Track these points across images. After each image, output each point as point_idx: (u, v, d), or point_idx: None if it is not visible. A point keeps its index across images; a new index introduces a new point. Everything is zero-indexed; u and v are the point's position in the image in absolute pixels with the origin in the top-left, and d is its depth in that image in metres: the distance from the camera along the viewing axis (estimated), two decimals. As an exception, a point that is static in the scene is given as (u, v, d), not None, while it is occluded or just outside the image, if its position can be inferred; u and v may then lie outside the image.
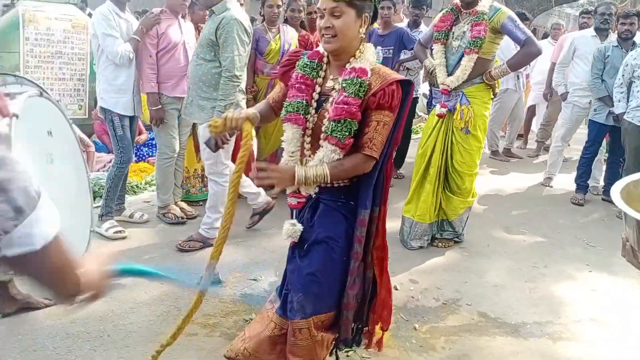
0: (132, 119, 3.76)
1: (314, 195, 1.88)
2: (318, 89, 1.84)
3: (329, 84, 1.83)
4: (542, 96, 6.46)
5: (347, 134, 1.73)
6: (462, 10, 3.44)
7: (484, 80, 3.42)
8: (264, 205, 3.86)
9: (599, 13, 5.24)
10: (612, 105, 4.57)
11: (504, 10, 3.33)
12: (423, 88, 6.60)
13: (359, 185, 1.87)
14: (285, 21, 4.58)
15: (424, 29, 5.15)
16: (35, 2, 5.00)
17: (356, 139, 1.77)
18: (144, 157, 5.15)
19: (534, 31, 7.20)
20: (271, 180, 1.71)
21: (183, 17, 3.91)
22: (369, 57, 1.79)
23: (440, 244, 3.75)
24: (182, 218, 4.00)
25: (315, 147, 1.83)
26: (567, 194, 5.21)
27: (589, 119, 4.94)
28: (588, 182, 5.07)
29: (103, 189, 3.91)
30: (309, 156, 1.84)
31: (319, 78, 1.84)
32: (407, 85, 1.80)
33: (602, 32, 5.10)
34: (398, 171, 5.53)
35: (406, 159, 5.59)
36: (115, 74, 3.61)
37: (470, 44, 3.30)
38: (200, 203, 4.31)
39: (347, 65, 1.79)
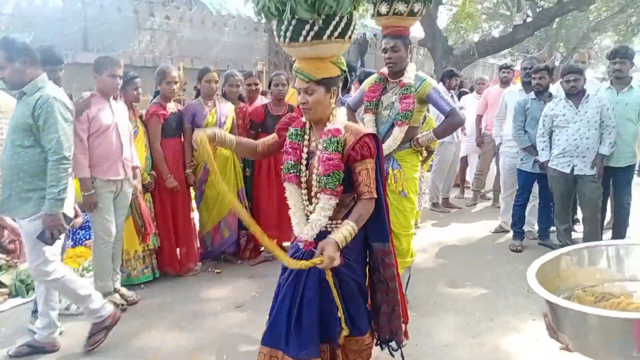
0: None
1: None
2: (305, 149, 2.28)
3: (314, 144, 2.28)
4: (476, 144, 6.82)
5: (337, 182, 2.15)
6: (389, 79, 3.60)
7: (412, 146, 3.56)
8: (111, 318, 3.23)
9: (522, 68, 5.67)
10: (537, 154, 4.84)
11: (429, 81, 3.52)
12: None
13: (371, 225, 2.27)
14: (223, 95, 4.67)
15: (353, 93, 5.37)
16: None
17: (349, 186, 2.20)
18: (81, 241, 4.95)
19: (461, 84, 7.59)
20: (332, 259, 2.00)
21: (114, 98, 3.89)
22: (341, 118, 2.24)
23: None
24: (122, 305, 3.83)
25: (310, 196, 2.26)
26: (506, 241, 5.40)
27: (517, 168, 5.20)
28: (523, 228, 5.27)
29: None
30: (307, 205, 2.26)
31: (305, 141, 2.29)
32: (376, 138, 2.26)
33: (527, 86, 5.45)
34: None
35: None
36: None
37: (401, 116, 3.44)
38: (142, 286, 4.17)
39: (325, 129, 2.22)
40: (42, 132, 2.91)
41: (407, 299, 3.77)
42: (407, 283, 3.79)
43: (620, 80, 4.68)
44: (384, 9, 3.43)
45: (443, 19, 21.55)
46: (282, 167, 2.32)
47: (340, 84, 2.27)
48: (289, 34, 2.09)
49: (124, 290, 3.97)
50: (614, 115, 4.53)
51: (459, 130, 6.61)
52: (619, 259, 1.59)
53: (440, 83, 6.78)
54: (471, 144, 7.07)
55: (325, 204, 2.18)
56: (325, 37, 2.07)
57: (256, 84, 5.10)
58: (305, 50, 2.12)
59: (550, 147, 4.73)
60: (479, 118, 6.81)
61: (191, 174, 4.47)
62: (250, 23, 13.00)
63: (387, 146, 3.51)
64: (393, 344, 2.48)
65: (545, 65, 5.10)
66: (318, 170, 2.19)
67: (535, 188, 5.21)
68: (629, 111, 4.62)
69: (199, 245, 4.70)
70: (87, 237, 4.95)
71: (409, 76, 3.50)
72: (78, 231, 5.03)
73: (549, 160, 4.71)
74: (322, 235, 2.18)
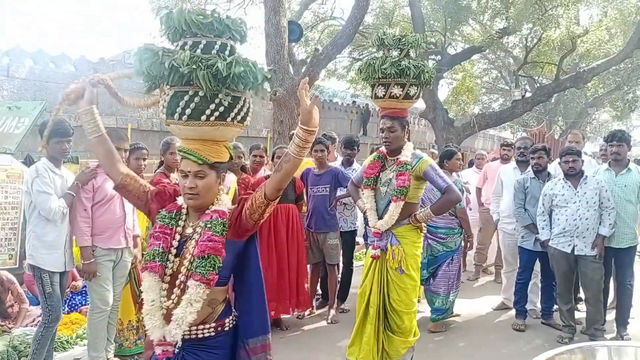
0: (62, 274, 3.64)
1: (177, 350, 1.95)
2: (178, 236, 1.99)
3: (190, 230, 2.00)
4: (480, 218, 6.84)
5: (211, 269, 1.86)
6: (387, 157, 3.69)
7: (410, 222, 3.57)
8: None
9: (516, 147, 5.80)
10: (537, 233, 4.85)
11: (425, 159, 3.58)
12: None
13: (248, 315, 2.03)
14: None
15: (357, 167, 5.46)
16: (-32, 153, 4.96)
17: (225, 279, 1.97)
18: (76, 307, 4.89)
19: (463, 156, 7.72)
20: None
21: None
22: (227, 202, 2.05)
23: None
24: (116, 376, 3.74)
25: (171, 290, 1.93)
26: (509, 319, 5.30)
27: (519, 246, 5.19)
28: (526, 306, 5.19)
29: (30, 347, 3.65)
30: (165, 301, 1.92)
31: (178, 227, 2.00)
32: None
33: (521, 164, 5.56)
34: (342, 305, 5.50)
35: (350, 290, 5.59)
36: (46, 230, 3.55)
37: (396, 192, 3.48)
38: (135, 357, 4.07)
39: (208, 210, 1.99)
40: None
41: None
42: (408, 364, 3.69)
43: (618, 162, 4.76)
44: (380, 92, 3.57)
45: (444, 91, 22.19)
46: (145, 253, 2.00)
47: (226, 171, 2.07)
48: (188, 111, 1.87)
49: (116, 360, 3.89)
50: (613, 197, 4.58)
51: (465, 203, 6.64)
52: (610, 360, 1.58)
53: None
54: (473, 218, 7.09)
55: (193, 294, 1.85)
56: (229, 119, 1.92)
57: (262, 157, 5.20)
58: (204, 130, 1.91)
59: (551, 226, 4.75)
60: (479, 191, 6.89)
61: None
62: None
63: (385, 222, 3.53)
64: None
65: (542, 145, 5.20)
66: (192, 254, 1.92)
67: (537, 266, 5.18)
68: (628, 193, 4.67)
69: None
70: (83, 302, 4.90)
71: (406, 154, 3.58)
72: (74, 297, 4.98)
73: (549, 239, 4.72)
74: (190, 344, 1.93)
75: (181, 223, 2.01)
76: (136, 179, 2.12)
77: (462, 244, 5.24)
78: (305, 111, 1.91)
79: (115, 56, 13.18)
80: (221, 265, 1.89)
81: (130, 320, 4.13)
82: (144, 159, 4.20)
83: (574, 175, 4.60)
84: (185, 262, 1.92)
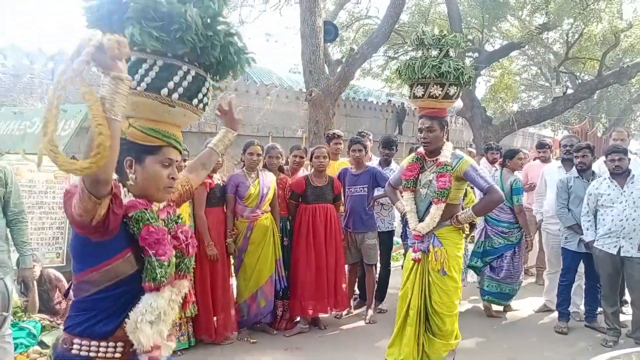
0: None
1: None
2: None
3: None
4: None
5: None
6: (426, 158, 3.64)
7: (452, 223, 3.53)
8: None
9: (562, 145, 5.65)
10: (582, 233, 4.72)
11: (466, 159, 3.52)
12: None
13: None
14: (264, 167, 4.81)
15: (395, 167, 5.44)
16: (19, 155, 5.17)
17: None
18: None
19: (500, 155, 7.59)
20: None
21: None
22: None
23: None
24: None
25: None
26: (551, 322, 5.18)
27: (562, 247, 5.07)
28: (569, 309, 5.07)
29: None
30: None
31: None
32: None
33: (566, 163, 5.41)
34: (380, 305, 5.48)
35: (388, 290, 5.57)
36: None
37: (437, 194, 3.45)
38: (179, 353, 4.17)
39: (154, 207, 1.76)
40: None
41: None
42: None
43: (667, 160, 4.59)
44: (419, 92, 3.52)
45: (481, 89, 21.83)
46: (162, 265, 1.66)
47: None
48: (181, 90, 1.69)
49: (160, 358, 3.98)
50: (662, 197, 4.42)
51: (502, 204, 6.52)
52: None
53: (484, 158, 6.81)
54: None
55: (178, 294, 1.78)
56: (200, 104, 1.78)
57: (302, 157, 5.24)
58: (189, 115, 1.77)
59: (596, 226, 4.62)
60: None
61: (232, 242, 4.55)
62: (292, 92, 13.45)
63: (426, 224, 3.50)
64: None
65: (587, 143, 5.06)
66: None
67: (581, 267, 5.04)
68: (678, 192, 4.49)
69: (234, 313, 4.70)
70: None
71: (446, 155, 3.53)
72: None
73: (594, 240, 4.59)
74: None
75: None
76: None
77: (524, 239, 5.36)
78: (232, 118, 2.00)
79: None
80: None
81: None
82: (185, 160, 4.29)
83: (620, 174, 4.46)
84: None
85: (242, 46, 1.80)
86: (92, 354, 1.63)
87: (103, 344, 1.64)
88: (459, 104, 14.13)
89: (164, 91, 1.67)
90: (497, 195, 3.47)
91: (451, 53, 3.60)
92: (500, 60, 16.46)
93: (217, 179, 4.56)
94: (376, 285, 5.38)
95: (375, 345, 4.49)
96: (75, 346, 1.63)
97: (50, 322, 4.40)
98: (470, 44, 14.55)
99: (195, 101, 1.74)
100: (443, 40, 3.53)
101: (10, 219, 3.42)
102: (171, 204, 1.85)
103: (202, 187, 4.38)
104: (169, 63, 1.68)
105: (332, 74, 10.29)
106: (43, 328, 4.31)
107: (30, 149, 5.52)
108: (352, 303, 5.52)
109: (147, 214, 1.67)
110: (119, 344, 1.65)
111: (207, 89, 1.80)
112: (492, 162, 6.63)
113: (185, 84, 1.70)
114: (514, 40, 14.85)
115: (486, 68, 16.15)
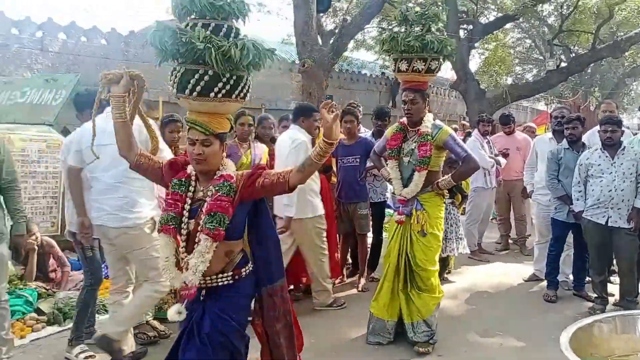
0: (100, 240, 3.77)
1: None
2: (189, 200, 2.27)
3: (201, 194, 2.28)
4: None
5: (217, 225, 2.15)
6: (409, 128, 3.89)
7: (432, 189, 3.80)
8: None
9: (553, 117, 5.69)
10: (571, 204, 4.79)
11: (445, 129, 3.81)
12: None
13: (270, 264, 2.40)
14: (256, 137, 4.81)
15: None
16: (10, 124, 5.15)
17: (237, 233, 2.28)
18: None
19: (494, 129, 7.62)
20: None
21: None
22: (231, 167, 2.34)
23: (420, 349, 3.79)
24: (155, 337, 3.91)
25: (192, 247, 2.21)
26: (540, 290, 5.29)
27: (551, 217, 5.14)
28: (558, 277, 5.17)
29: (74, 309, 3.84)
30: (187, 256, 2.22)
31: (189, 192, 2.28)
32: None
33: (557, 134, 5.44)
34: (372, 273, 5.56)
35: (381, 259, 5.65)
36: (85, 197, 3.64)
37: (419, 162, 3.73)
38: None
39: (216, 175, 2.26)
40: None
41: (435, 338, 3.81)
42: (436, 326, 3.83)
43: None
44: (403, 66, 3.81)
45: (475, 62, 21.71)
46: (160, 217, 2.32)
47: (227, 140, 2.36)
48: (198, 88, 2.14)
49: (155, 322, 4.05)
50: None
51: (493, 176, 6.60)
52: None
53: (475, 130, 6.84)
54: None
55: (203, 246, 2.16)
56: (234, 96, 2.20)
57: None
58: (211, 105, 2.20)
59: (585, 197, 4.68)
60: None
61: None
62: (285, 64, 13.31)
63: (410, 190, 3.79)
64: None
65: (577, 115, 5.10)
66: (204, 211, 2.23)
67: (570, 237, 5.13)
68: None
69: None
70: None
71: (427, 125, 3.81)
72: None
73: (583, 211, 4.65)
74: (208, 290, 2.27)
75: (191, 189, 2.28)
76: (149, 158, 2.39)
77: None
78: (326, 126, 2.18)
79: (146, 29, 13.26)
80: (228, 222, 2.18)
81: (168, 285, 4.27)
82: (178, 132, 4.28)
83: (611, 146, 4.50)
84: (201, 222, 2.19)
85: (258, 51, 2.19)
86: None
87: None
88: (452, 76, 14.10)
89: (186, 92, 2.16)
90: (473, 163, 3.78)
91: (433, 29, 3.83)
92: (495, 32, 16.35)
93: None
94: (368, 255, 5.45)
95: (366, 312, 4.56)
96: None
97: (46, 290, 4.45)
98: (465, 16, 14.42)
99: (212, 94, 2.15)
100: (425, 15, 3.78)
101: (3, 186, 3.43)
102: (226, 175, 2.25)
103: None
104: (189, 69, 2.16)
105: (325, 46, 10.19)
106: (39, 296, 4.36)
107: (20, 118, 5.50)
108: (345, 272, 5.60)
109: (172, 182, 2.28)
110: None
111: (225, 82, 2.16)
112: (484, 134, 6.66)
113: (202, 83, 2.14)
114: (508, 12, 14.73)
115: (480, 40, 16.04)
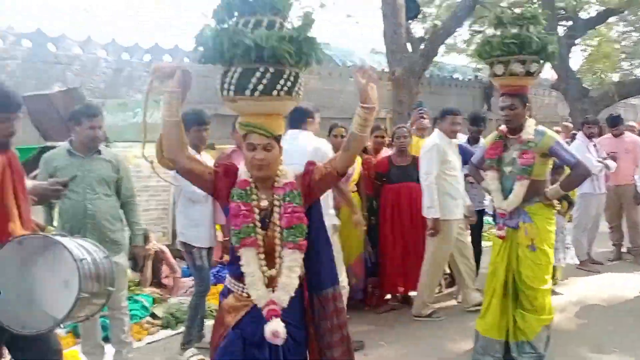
0: (209, 249, 4.00)
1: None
2: (257, 210, 2.12)
3: (265, 202, 2.14)
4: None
5: (301, 236, 2.07)
6: (508, 136, 3.64)
7: (541, 200, 3.53)
8: None
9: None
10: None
11: (550, 134, 3.52)
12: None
13: (320, 268, 2.22)
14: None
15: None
16: (125, 143, 5.62)
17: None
18: (222, 279, 5.35)
19: (600, 129, 7.12)
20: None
21: None
22: (289, 173, 2.19)
23: None
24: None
25: (272, 259, 2.10)
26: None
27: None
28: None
29: (185, 314, 4.09)
30: (266, 270, 2.08)
31: (254, 201, 2.12)
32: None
33: None
34: (471, 284, 5.40)
35: (480, 270, 5.48)
36: (192, 210, 3.87)
37: (521, 171, 3.47)
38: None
39: (277, 183, 2.15)
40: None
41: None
42: (547, 344, 3.59)
43: None
44: (499, 70, 3.54)
45: (577, 59, 20.45)
46: (235, 232, 2.08)
47: None
48: (260, 87, 1.98)
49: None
50: None
51: (602, 181, 6.19)
52: None
53: (580, 132, 6.46)
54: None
55: (291, 260, 2.06)
56: (293, 93, 2.06)
57: (383, 137, 5.26)
58: (271, 105, 2.05)
59: None
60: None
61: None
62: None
63: (510, 201, 3.53)
64: None
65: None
66: (280, 225, 2.10)
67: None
68: None
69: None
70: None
71: (528, 132, 3.53)
72: (221, 270, 5.44)
73: None
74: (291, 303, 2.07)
75: (254, 197, 2.12)
76: (200, 162, 2.21)
77: None
78: (361, 89, 2.08)
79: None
80: (307, 231, 2.09)
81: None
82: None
83: None
84: (277, 234, 2.10)
85: (311, 48, 2.06)
86: (231, 288, 2.18)
87: (237, 283, 2.14)
88: (552, 75, 13.40)
89: (247, 92, 2.01)
90: (584, 170, 3.51)
91: (532, 30, 3.54)
92: (597, 27, 15.31)
93: None
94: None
95: (466, 324, 4.45)
96: (226, 281, 2.25)
97: (160, 295, 4.78)
98: (563, 12, 13.67)
99: (274, 92, 2.02)
100: (522, 19, 3.51)
101: (123, 201, 3.74)
102: (290, 182, 2.15)
103: None
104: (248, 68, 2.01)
105: (415, 52, 10.10)
106: (154, 301, 4.70)
107: (134, 137, 5.97)
108: (442, 282, 5.49)
109: (235, 191, 2.12)
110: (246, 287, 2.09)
111: (286, 79, 2.04)
112: (589, 137, 6.27)
113: (264, 81, 2.00)
114: (611, 5, 13.74)
115: (581, 37, 15.10)
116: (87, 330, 3.67)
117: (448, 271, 5.66)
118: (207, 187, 2.20)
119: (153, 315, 4.53)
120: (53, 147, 3.79)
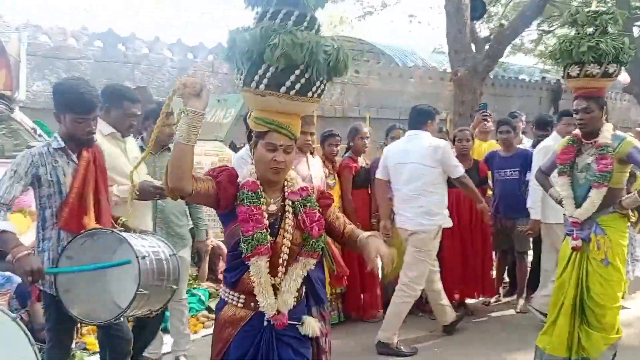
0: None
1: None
2: (266, 214, 1.96)
3: (272, 207, 2.01)
4: None
5: (322, 245, 2.02)
6: (582, 141, 3.42)
7: (616, 210, 3.29)
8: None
9: None
10: None
11: (629, 139, 3.30)
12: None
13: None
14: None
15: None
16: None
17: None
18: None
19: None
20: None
21: (311, 152, 4.27)
22: (298, 178, 2.10)
23: None
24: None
25: (277, 266, 1.96)
26: None
27: None
28: None
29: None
30: (276, 277, 1.96)
31: (262, 205, 1.96)
32: None
33: None
34: (532, 294, 5.20)
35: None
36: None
37: (598, 177, 3.24)
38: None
39: (290, 189, 2.03)
40: None
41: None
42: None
43: None
44: (574, 71, 3.35)
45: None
46: (246, 239, 1.89)
47: None
48: (298, 86, 1.89)
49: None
50: None
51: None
52: None
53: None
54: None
55: (303, 268, 2.00)
56: (322, 95, 2.01)
57: (337, 145, 5.09)
58: (302, 105, 1.96)
59: None
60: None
61: (376, 223, 4.63)
62: (435, 73, 13.15)
63: (585, 209, 3.31)
64: None
65: None
66: (293, 233, 1.97)
67: None
68: None
69: (379, 293, 4.79)
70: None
71: (606, 136, 3.30)
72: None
73: None
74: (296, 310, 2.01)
75: (264, 201, 1.97)
76: (202, 179, 1.93)
77: None
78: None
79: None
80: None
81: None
82: (337, 145, 4.46)
83: None
84: (286, 241, 1.96)
85: (338, 61, 1.95)
86: (225, 298, 2.04)
87: (232, 292, 2.01)
88: (625, 78, 12.68)
89: (283, 89, 1.90)
90: None
91: (610, 29, 3.35)
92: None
93: (362, 161, 4.68)
94: (528, 274, 5.12)
95: (523, 335, 4.29)
96: (220, 291, 2.12)
97: (216, 290, 4.90)
98: (639, 12, 12.90)
99: (309, 94, 1.94)
100: (599, 18, 3.31)
101: None
102: (305, 188, 2.06)
103: (348, 171, 4.54)
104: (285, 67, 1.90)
105: (479, 52, 9.84)
106: (210, 295, 4.82)
107: (198, 135, 6.13)
108: (501, 291, 5.33)
109: (244, 194, 1.94)
110: (242, 296, 1.98)
111: (321, 82, 1.98)
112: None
113: (302, 81, 1.92)
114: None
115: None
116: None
117: (507, 280, 5.50)
118: (211, 202, 1.98)
119: (209, 309, 4.65)
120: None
